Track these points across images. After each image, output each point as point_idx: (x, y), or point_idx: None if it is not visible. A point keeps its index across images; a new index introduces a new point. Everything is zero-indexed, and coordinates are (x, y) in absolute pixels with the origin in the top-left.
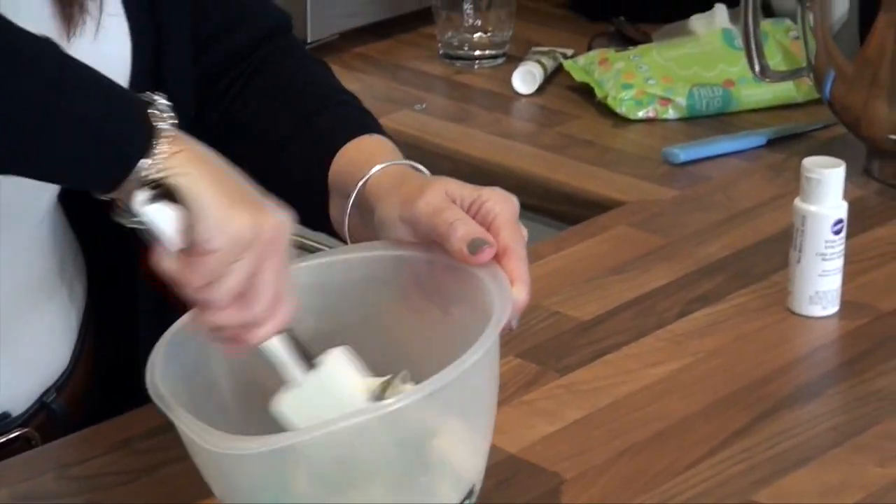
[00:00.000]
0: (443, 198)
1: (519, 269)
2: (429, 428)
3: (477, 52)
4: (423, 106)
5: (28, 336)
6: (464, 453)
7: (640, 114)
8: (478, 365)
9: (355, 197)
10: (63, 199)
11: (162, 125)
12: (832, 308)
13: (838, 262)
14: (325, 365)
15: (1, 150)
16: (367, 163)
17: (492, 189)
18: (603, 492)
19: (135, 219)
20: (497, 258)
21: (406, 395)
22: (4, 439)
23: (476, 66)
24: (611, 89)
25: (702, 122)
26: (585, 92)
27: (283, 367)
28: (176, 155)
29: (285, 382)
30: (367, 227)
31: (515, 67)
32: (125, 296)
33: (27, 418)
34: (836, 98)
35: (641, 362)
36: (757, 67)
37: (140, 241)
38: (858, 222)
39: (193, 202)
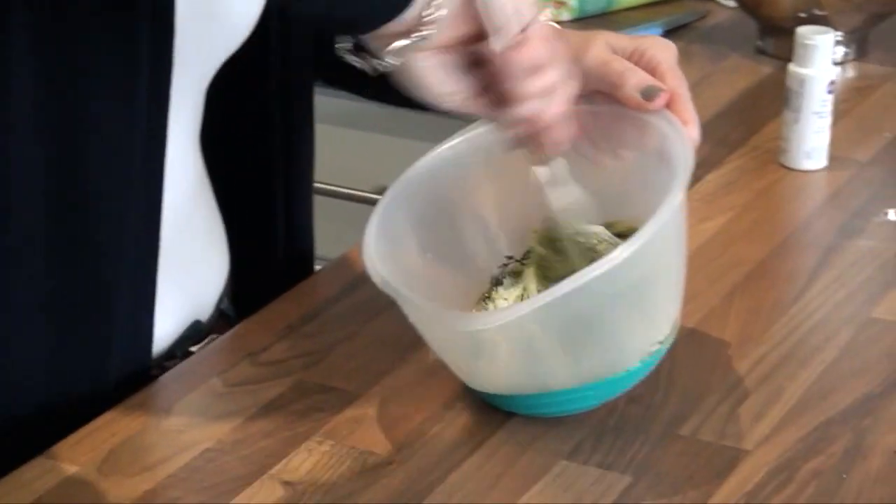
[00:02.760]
0: (607, 49)
1: (688, 111)
2: (643, 276)
3: None
4: None
5: (199, 241)
6: (670, 289)
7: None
8: (675, 215)
9: None
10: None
11: None
12: (823, 162)
13: (829, 120)
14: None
15: None
16: None
17: (650, 37)
18: (738, 323)
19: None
20: (667, 104)
21: (627, 245)
22: (203, 345)
23: None
24: None
25: (590, 21)
26: None
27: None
28: None
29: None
30: None
31: None
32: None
33: (212, 325)
34: None
35: (692, 219)
36: None
37: None
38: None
39: None
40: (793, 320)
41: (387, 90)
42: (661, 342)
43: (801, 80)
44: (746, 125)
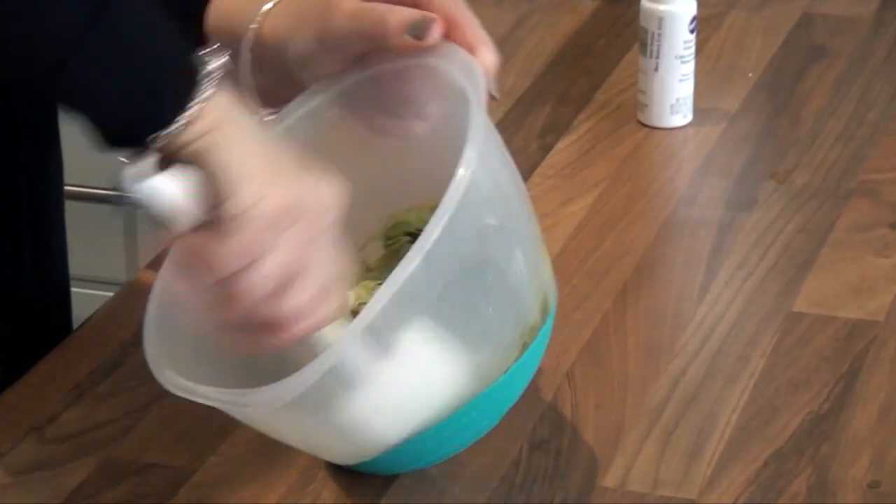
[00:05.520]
0: (357, 2)
1: (474, 33)
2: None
3: None
4: None
5: None
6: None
7: None
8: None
9: (251, 55)
10: None
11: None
12: (689, 116)
13: (693, 65)
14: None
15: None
16: (248, 9)
17: None
18: (641, 332)
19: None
20: (446, 35)
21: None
22: None
23: None
24: None
25: None
26: None
27: None
28: (203, 120)
29: None
30: (282, 82)
31: None
32: None
33: None
34: None
35: (553, 202)
36: None
37: None
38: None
39: (227, 166)
40: (704, 323)
41: None
42: (543, 317)
43: (660, 19)
44: (587, 76)
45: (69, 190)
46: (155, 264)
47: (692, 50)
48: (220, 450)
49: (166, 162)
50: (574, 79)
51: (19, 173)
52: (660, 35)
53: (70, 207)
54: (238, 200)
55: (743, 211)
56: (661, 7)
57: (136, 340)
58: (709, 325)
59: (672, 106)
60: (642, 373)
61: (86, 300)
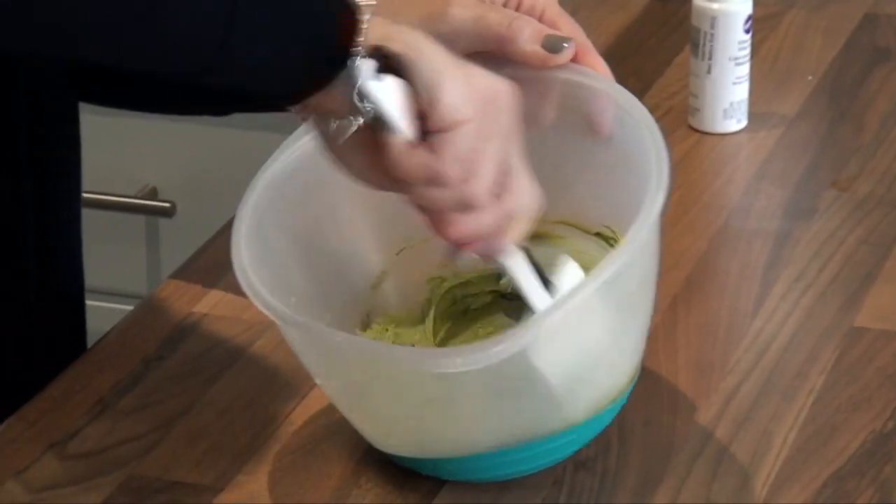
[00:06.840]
0: (476, 1)
1: (601, 63)
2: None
3: None
4: None
5: None
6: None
7: None
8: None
9: None
10: None
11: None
12: (744, 121)
13: (748, 67)
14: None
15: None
16: None
17: None
18: (692, 347)
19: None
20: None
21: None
22: None
23: None
24: None
25: None
26: None
27: (526, 289)
28: (384, 22)
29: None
30: None
31: None
32: None
33: None
34: None
35: None
36: None
37: None
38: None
39: (430, 66)
40: (759, 339)
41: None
42: (629, 382)
43: (713, 18)
44: (635, 78)
45: (88, 198)
46: (180, 274)
47: (747, 51)
48: (247, 467)
49: None
50: (621, 81)
51: (23, 186)
52: (713, 35)
53: (89, 217)
54: (447, 97)
55: (801, 220)
56: (715, 5)
57: (160, 354)
58: (764, 341)
59: (725, 110)
60: (693, 390)
61: (105, 313)
